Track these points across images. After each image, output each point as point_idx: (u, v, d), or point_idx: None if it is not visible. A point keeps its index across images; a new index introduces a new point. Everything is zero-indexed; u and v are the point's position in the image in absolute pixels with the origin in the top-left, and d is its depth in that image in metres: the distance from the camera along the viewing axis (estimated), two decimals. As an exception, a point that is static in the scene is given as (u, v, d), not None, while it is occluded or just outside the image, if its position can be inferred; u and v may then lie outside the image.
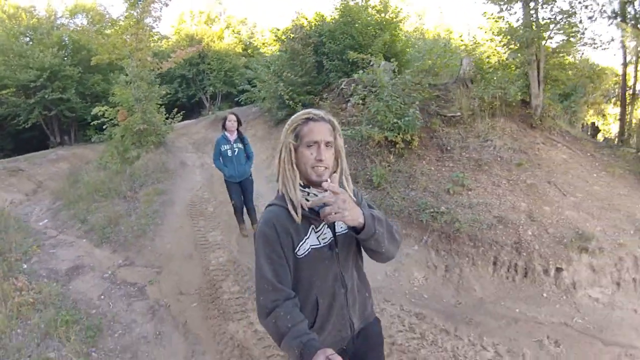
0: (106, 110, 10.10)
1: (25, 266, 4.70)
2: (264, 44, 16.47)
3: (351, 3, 9.49)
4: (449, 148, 5.61)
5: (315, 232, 1.48)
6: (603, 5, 6.49)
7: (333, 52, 9.06)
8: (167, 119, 11.30)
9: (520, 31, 5.87)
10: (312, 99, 8.85)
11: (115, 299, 3.90)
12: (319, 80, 9.62)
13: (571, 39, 6.06)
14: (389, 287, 3.97)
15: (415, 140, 5.69)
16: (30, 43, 14.87)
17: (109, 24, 11.44)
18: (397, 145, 5.75)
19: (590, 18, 6.34)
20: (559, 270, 3.78)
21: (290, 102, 8.92)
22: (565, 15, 5.82)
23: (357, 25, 8.73)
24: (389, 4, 9.49)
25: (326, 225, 1.50)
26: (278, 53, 10.60)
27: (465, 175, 5.00)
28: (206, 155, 10.42)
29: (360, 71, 6.88)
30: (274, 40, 10.99)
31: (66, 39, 15.54)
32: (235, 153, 5.05)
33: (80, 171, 9.70)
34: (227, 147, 5.02)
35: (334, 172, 1.48)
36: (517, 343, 3.11)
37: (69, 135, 16.18)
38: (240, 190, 5.19)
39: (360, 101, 6.79)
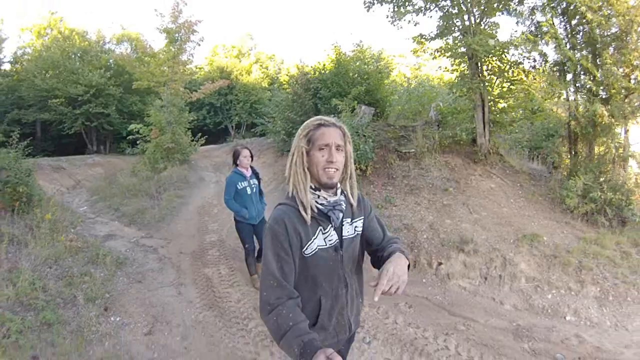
0: (141, 127, 12.83)
1: (73, 230, 6.91)
2: (283, 82, 18.54)
3: (350, 53, 11.80)
4: (394, 176, 7.61)
5: (323, 234, 1.62)
6: (546, 55, 7.47)
7: (326, 97, 11.16)
8: (192, 141, 13.59)
9: (467, 80, 7.64)
10: None
11: (137, 252, 6.01)
12: None
13: (511, 87, 7.87)
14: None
15: (369, 169, 7.73)
16: (81, 62, 18.03)
17: (150, 55, 13.90)
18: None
19: (533, 67, 7.61)
20: (439, 264, 5.45)
21: (286, 137, 11.21)
22: (508, 66, 7.62)
23: (344, 75, 11.01)
24: (383, 55, 11.89)
25: (333, 228, 1.65)
26: (286, 94, 12.90)
27: (396, 196, 6.97)
28: (222, 175, 12.82)
29: (341, 114, 8.94)
30: (286, 83, 13.55)
31: (112, 62, 18.71)
32: (254, 191, 4.84)
33: (114, 175, 12.10)
34: (244, 184, 4.75)
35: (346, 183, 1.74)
36: (379, 304, 4.45)
37: (105, 146, 19.23)
38: (253, 232, 4.90)
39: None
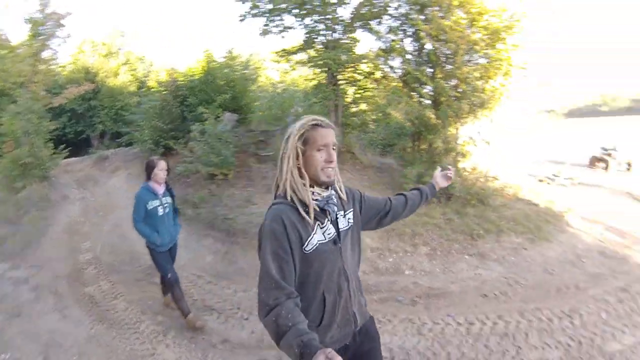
0: None
1: None
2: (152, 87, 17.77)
3: (221, 60, 12.27)
4: (253, 178, 8.68)
5: (321, 228, 1.70)
6: (394, 68, 8.93)
7: (193, 104, 11.44)
8: (53, 154, 12.17)
9: (322, 89, 9.05)
10: (175, 143, 10.86)
11: (4, 286, 5.72)
12: (182, 127, 11.49)
13: (364, 94, 9.42)
14: (192, 266, 6.36)
15: (231, 173, 8.62)
16: None
17: (5, 48, 12.22)
18: (216, 177, 8.71)
19: (383, 77, 9.12)
20: None
21: (153, 146, 11.39)
22: (363, 77, 9.11)
23: (211, 83, 11.55)
24: (251, 61, 12.59)
25: (330, 222, 1.74)
26: (154, 101, 12.66)
27: (256, 196, 7.99)
28: (87, 191, 12.30)
29: (205, 122, 9.41)
30: (155, 88, 13.38)
31: None
32: (166, 211, 4.32)
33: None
34: (155, 203, 4.20)
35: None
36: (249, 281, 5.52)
37: None
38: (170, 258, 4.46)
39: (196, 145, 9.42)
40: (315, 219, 1.68)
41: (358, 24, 8.94)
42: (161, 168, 4.22)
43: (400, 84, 8.83)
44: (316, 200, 1.70)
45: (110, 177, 13.84)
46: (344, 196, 1.87)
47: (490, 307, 4.68)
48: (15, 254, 7.20)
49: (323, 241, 1.69)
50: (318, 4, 8.46)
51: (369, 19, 8.87)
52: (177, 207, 4.58)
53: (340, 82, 9.35)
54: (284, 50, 8.90)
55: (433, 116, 7.85)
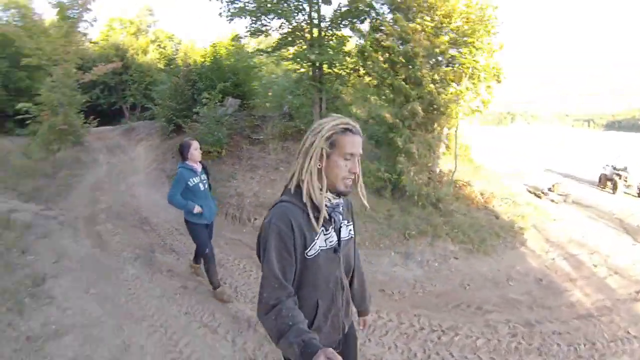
0: (31, 107, 13.04)
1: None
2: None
3: (230, 48, 14.33)
4: (241, 158, 10.63)
5: (325, 235, 1.73)
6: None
7: (201, 89, 13.37)
8: (84, 123, 14.33)
9: (306, 83, 10.69)
10: (185, 122, 12.83)
11: (39, 220, 8.06)
12: (192, 108, 12.97)
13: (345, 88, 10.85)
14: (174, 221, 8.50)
15: (224, 152, 10.65)
16: None
17: (40, 30, 14.14)
18: (211, 154, 10.72)
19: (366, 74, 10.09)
20: (255, 219, 8.24)
21: (165, 123, 13.64)
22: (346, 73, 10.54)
23: (217, 70, 13.60)
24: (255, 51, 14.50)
25: (334, 230, 1.78)
26: (169, 83, 14.96)
27: (238, 173, 9.95)
28: (114, 156, 14.79)
29: (206, 106, 11.48)
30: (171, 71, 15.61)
31: None
32: (206, 187, 4.76)
33: (5, 157, 13.37)
34: (196, 180, 4.61)
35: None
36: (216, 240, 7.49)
37: (-13, 126, 18.63)
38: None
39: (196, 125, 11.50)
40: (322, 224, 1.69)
41: (344, 21, 10.22)
42: (195, 147, 4.62)
43: (374, 82, 9.61)
44: (326, 206, 1.69)
45: (136, 146, 16.50)
46: (366, 204, 1.86)
47: (376, 302, 4.91)
48: (49, 200, 9.65)
49: (324, 248, 1.72)
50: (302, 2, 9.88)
51: (353, 17, 10.07)
52: (210, 183, 4.94)
53: (326, 75, 10.88)
54: (270, 47, 10.62)
55: (388, 115, 8.36)
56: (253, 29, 10.36)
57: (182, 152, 4.63)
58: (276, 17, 10.12)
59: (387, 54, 8.88)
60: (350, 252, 1.95)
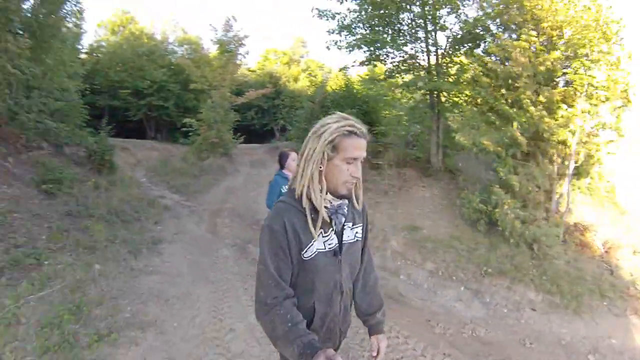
0: (194, 122, 16.89)
1: (137, 189, 10.99)
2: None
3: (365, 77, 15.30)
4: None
5: (323, 237, 1.67)
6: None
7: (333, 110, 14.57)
8: (233, 138, 17.60)
9: (424, 111, 10.94)
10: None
11: (177, 206, 10.07)
12: None
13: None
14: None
15: None
16: (147, 61, 22.35)
17: (205, 61, 18.24)
18: None
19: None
20: None
21: (301, 144, 15.02)
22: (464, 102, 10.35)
23: (348, 98, 14.56)
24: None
25: (334, 232, 1.71)
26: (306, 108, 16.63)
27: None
28: (254, 170, 17.03)
29: None
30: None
31: (173, 61, 23.05)
32: None
33: (168, 159, 16.64)
34: None
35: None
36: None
37: (161, 134, 23.77)
38: None
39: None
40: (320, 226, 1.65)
41: (461, 48, 10.01)
42: (293, 158, 4.72)
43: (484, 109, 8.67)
44: (326, 207, 1.66)
45: (275, 162, 18.54)
46: (358, 207, 1.82)
47: (414, 329, 4.76)
48: (190, 194, 11.88)
49: (323, 250, 1.67)
50: (419, 29, 10.09)
51: (468, 42, 9.74)
52: None
53: (443, 103, 10.72)
54: (388, 72, 10.95)
55: (488, 142, 7.57)
56: (365, 58, 10.94)
57: (281, 160, 4.85)
58: (392, 49, 10.52)
59: (493, 77, 8.19)
60: (356, 256, 1.85)
